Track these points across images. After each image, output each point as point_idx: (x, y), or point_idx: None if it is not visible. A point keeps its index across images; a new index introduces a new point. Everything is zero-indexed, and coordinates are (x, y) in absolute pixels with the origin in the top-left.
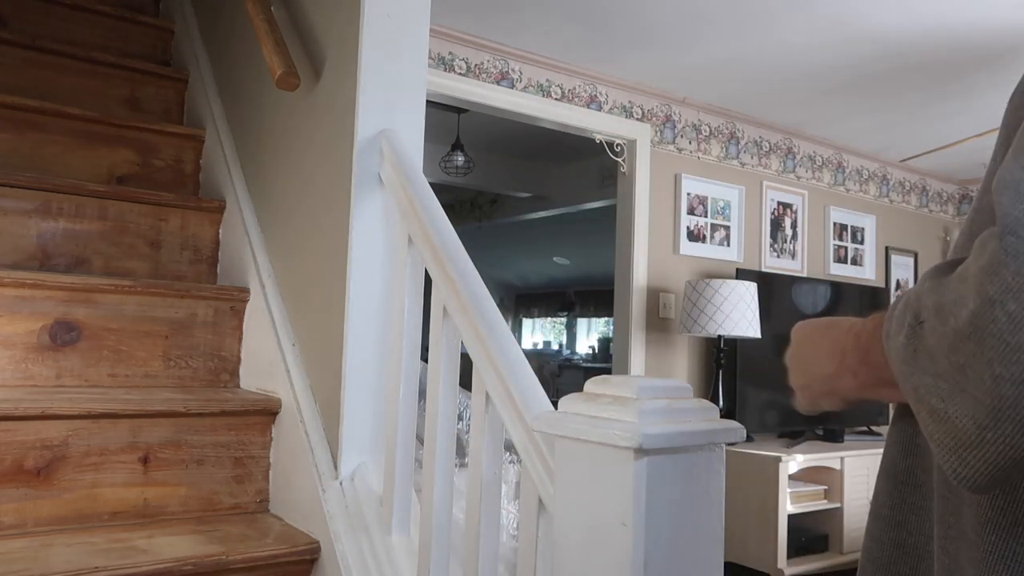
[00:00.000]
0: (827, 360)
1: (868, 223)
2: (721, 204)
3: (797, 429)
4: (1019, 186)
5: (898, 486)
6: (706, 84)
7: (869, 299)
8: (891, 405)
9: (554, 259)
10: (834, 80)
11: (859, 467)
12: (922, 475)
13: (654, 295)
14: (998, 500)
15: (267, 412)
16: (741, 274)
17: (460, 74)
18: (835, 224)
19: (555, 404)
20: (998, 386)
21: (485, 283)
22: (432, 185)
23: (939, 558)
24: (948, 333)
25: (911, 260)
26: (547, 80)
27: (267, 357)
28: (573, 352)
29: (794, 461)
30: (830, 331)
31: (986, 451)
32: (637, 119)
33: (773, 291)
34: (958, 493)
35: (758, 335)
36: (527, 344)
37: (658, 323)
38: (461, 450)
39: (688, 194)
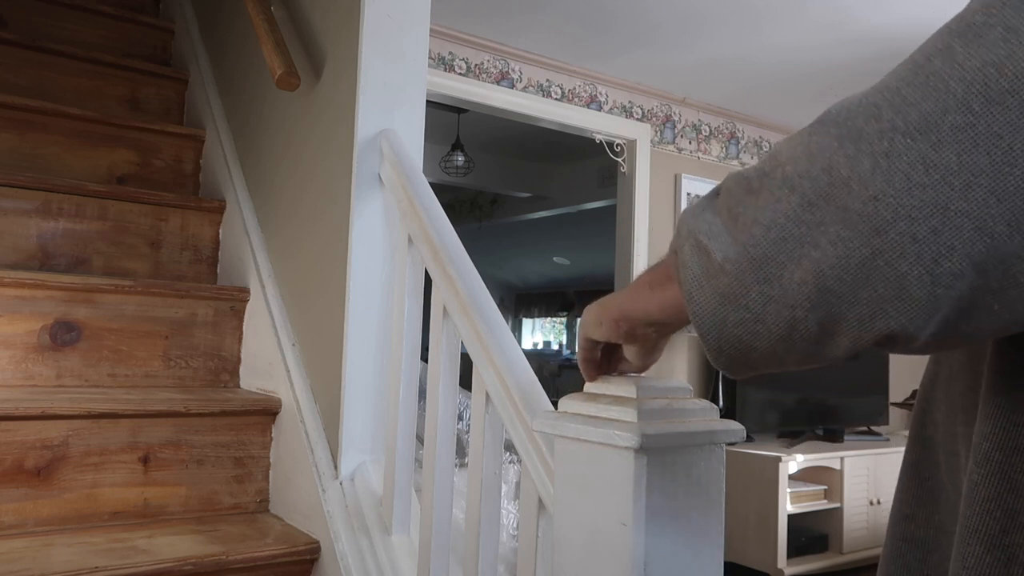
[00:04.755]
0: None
1: None
2: None
3: (797, 429)
4: (851, 96)
5: (906, 480)
6: (706, 84)
7: None
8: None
9: (554, 259)
10: (833, 80)
11: (859, 467)
12: (928, 469)
13: None
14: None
15: (267, 412)
16: None
17: (460, 74)
18: None
19: (555, 404)
20: (752, 227)
21: (485, 283)
22: (432, 185)
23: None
24: (739, 191)
25: None
26: (547, 80)
27: (267, 357)
28: (573, 352)
29: (794, 461)
30: None
31: (720, 280)
32: (637, 119)
33: None
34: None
35: None
36: (527, 344)
37: None
38: (461, 450)
39: (688, 194)
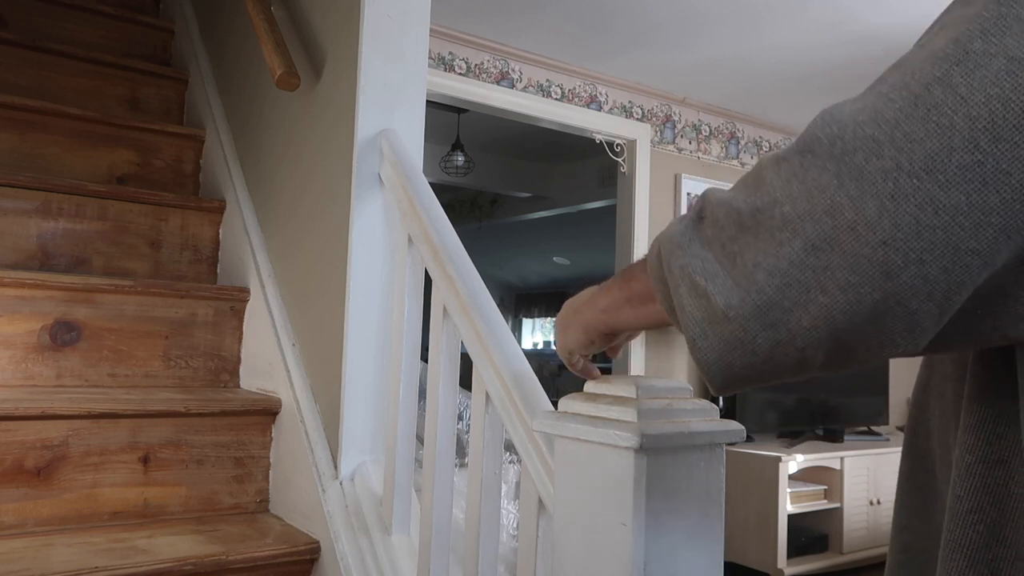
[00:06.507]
0: (586, 295)
1: None
2: None
3: (797, 429)
4: (836, 113)
5: (901, 489)
6: (706, 84)
7: None
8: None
9: (554, 259)
10: (833, 80)
11: (859, 467)
12: (922, 478)
13: None
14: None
15: (267, 412)
16: None
17: (460, 74)
18: None
19: (555, 404)
20: (755, 272)
21: (485, 283)
22: (432, 185)
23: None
24: (731, 225)
25: None
26: (547, 80)
27: (267, 357)
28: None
29: (794, 461)
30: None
31: (724, 328)
32: (637, 119)
33: None
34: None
35: None
36: (527, 344)
37: None
38: (461, 450)
39: (688, 194)
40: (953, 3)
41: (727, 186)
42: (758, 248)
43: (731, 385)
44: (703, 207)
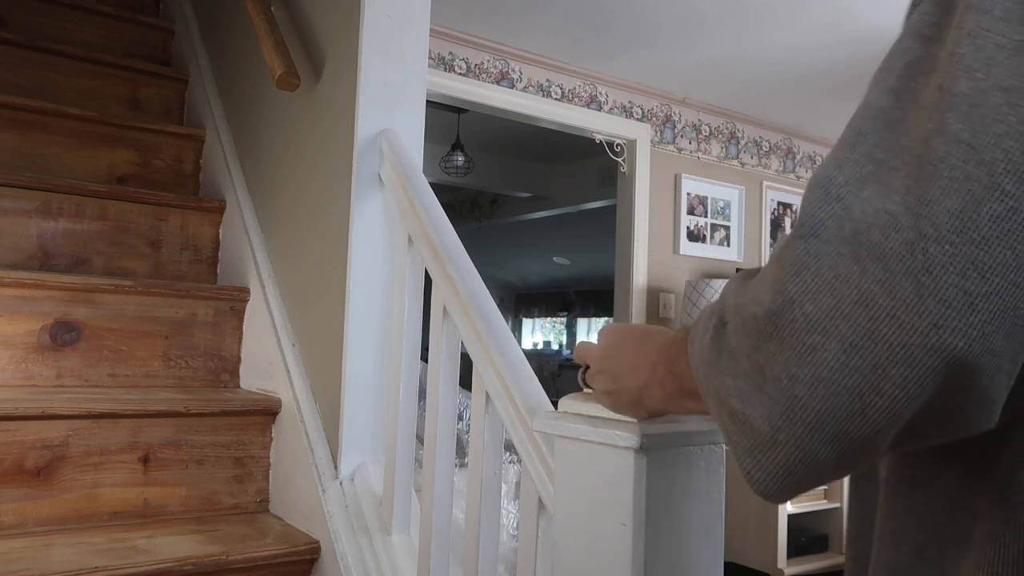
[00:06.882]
0: (637, 372)
1: None
2: (721, 204)
3: None
4: (829, 186)
5: (851, 498)
6: (706, 84)
7: None
8: None
9: (554, 259)
10: (833, 80)
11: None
12: (869, 488)
13: (654, 295)
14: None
15: (267, 412)
16: None
17: (460, 74)
18: None
19: (555, 404)
20: (792, 386)
21: (485, 283)
22: (432, 185)
23: None
24: (750, 334)
25: None
26: (547, 80)
27: (267, 357)
28: (573, 352)
29: None
30: (642, 343)
31: (778, 453)
32: (637, 119)
33: None
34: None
35: None
36: (527, 344)
37: (658, 323)
38: (461, 450)
39: (688, 194)
40: (901, 39)
41: (726, 186)
42: (787, 357)
43: (793, 496)
44: (723, 312)
